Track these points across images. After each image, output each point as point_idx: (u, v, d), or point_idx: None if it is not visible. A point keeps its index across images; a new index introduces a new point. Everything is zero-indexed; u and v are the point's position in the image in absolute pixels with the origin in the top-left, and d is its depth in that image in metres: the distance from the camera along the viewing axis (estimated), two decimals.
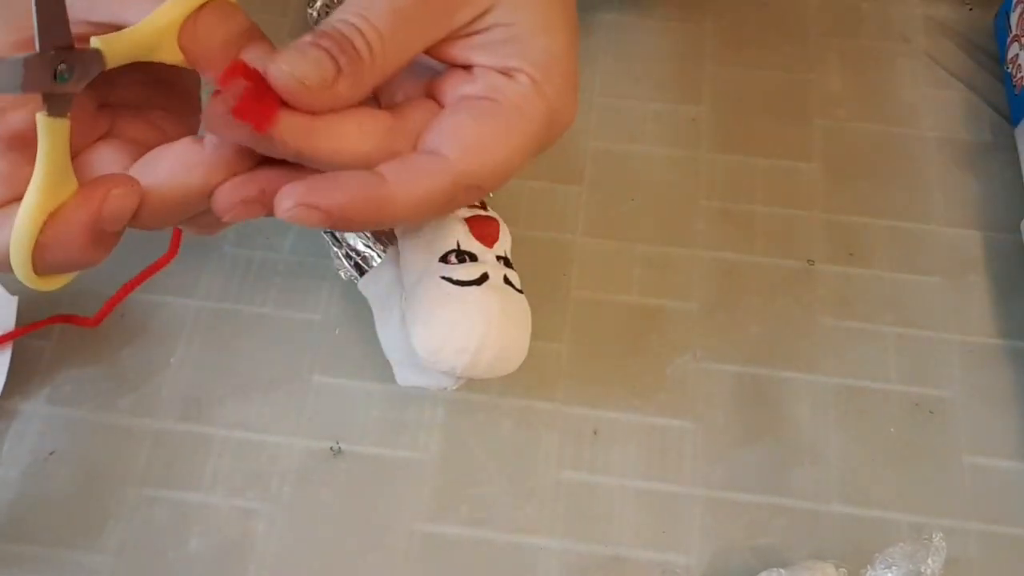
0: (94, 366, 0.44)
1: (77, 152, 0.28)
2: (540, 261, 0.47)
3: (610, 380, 0.44)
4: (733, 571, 0.40)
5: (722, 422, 0.43)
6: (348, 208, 0.26)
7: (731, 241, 0.48)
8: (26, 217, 0.25)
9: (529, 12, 0.28)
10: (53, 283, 0.27)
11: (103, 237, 0.26)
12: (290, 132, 0.26)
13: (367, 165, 0.27)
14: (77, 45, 0.25)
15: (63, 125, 0.25)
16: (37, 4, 0.23)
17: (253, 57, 0.27)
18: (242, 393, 0.43)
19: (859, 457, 0.42)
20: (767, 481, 0.42)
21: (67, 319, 0.44)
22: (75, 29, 0.25)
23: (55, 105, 0.25)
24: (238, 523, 0.40)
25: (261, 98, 0.25)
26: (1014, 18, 0.52)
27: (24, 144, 0.26)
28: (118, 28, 0.26)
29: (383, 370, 0.41)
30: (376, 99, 0.31)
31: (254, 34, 0.28)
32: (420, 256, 0.37)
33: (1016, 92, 0.51)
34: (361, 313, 0.43)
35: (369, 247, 0.41)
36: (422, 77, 0.30)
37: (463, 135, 0.28)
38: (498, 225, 0.38)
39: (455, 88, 0.29)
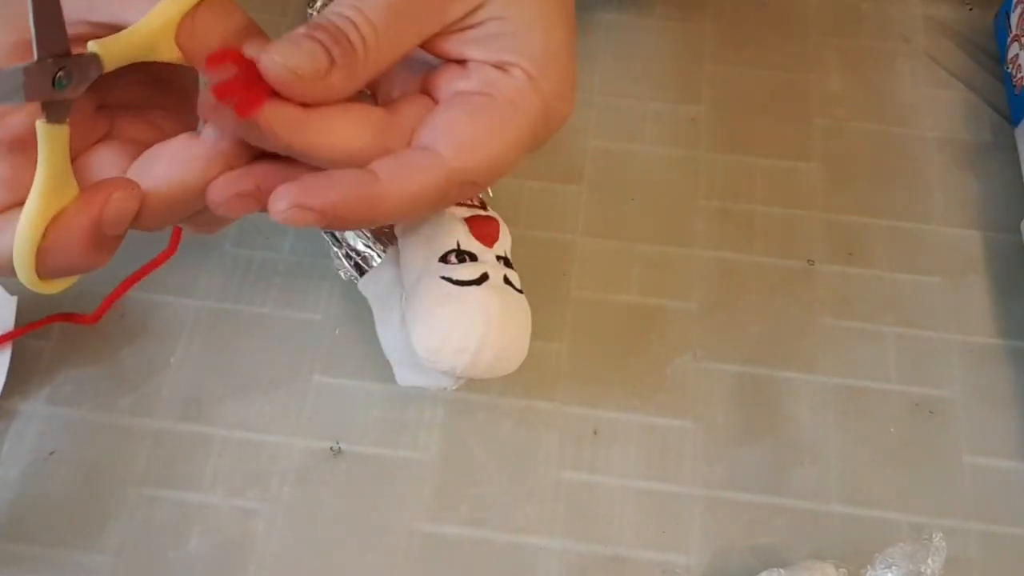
0: (94, 366, 0.44)
1: (77, 154, 0.28)
2: (540, 261, 0.47)
3: (610, 380, 0.44)
4: (733, 571, 0.40)
5: (722, 422, 0.43)
6: (341, 207, 0.26)
7: (731, 241, 0.48)
8: (28, 223, 0.25)
9: (523, 7, 0.28)
10: (56, 286, 0.27)
11: (105, 241, 0.26)
12: (281, 123, 0.26)
13: (361, 161, 0.27)
14: (74, 50, 0.25)
15: (62, 131, 0.25)
16: (34, 13, 0.23)
17: (248, 50, 0.27)
18: (242, 393, 0.43)
19: (859, 457, 0.42)
20: (767, 481, 0.42)
21: (66, 317, 0.44)
22: (73, 29, 0.25)
23: (54, 112, 0.25)
24: (238, 523, 0.40)
25: (251, 87, 0.25)
26: (1014, 18, 0.52)
27: (25, 147, 0.26)
28: (117, 28, 0.26)
29: (383, 370, 0.41)
30: (372, 97, 0.31)
31: (252, 31, 0.28)
32: (420, 256, 0.36)
33: (1016, 92, 0.51)
34: (361, 313, 0.43)
35: (369, 247, 0.41)
36: (417, 73, 0.30)
37: (457, 131, 0.28)
38: (498, 225, 0.38)
39: (449, 83, 0.29)
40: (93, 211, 0.25)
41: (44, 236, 0.25)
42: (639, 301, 0.46)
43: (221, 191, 0.27)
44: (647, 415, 0.43)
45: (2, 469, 0.41)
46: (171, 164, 0.27)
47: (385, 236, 0.41)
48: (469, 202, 0.39)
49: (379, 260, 0.41)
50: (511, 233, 0.39)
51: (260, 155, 0.28)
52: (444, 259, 0.36)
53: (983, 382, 0.44)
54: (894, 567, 0.37)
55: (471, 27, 0.28)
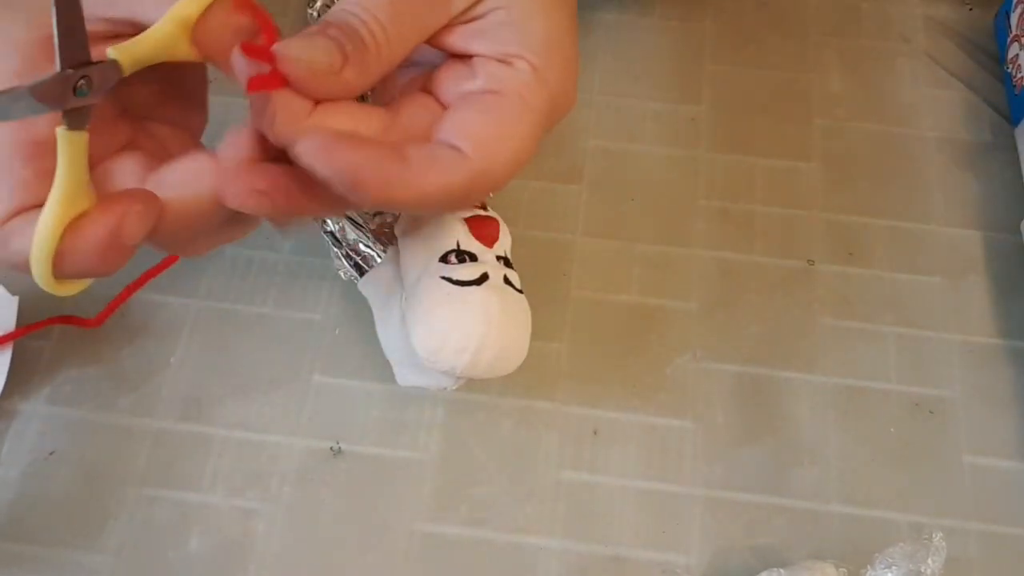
0: (94, 366, 0.44)
1: (98, 161, 0.28)
2: (540, 261, 0.47)
3: (610, 380, 0.44)
4: (733, 571, 0.40)
5: (722, 422, 0.43)
6: (362, 169, 0.25)
7: (731, 241, 0.48)
8: (45, 227, 0.25)
9: None
10: (71, 288, 0.28)
11: (121, 250, 0.26)
12: (285, 111, 0.26)
13: None
14: (94, 58, 0.25)
15: (82, 138, 0.26)
16: (58, 25, 0.24)
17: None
18: (242, 393, 0.43)
19: (859, 457, 0.42)
20: (767, 481, 0.42)
21: (68, 320, 0.44)
22: (91, 26, 0.25)
23: (74, 119, 0.25)
24: (238, 523, 0.40)
25: (269, 77, 0.26)
26: (1014, 18, 0.52)
27: (46, 152, 0.26)
28: (134, 24, 0.27)
29: (383, 370, 0.41)
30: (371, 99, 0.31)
31: (266, 26, 0.28)
32: (420, 256, 0.36)
33: (1016, 92, 0.51)
34: (361, 313, 0.43)
35: (369, 247, 0.41)
36: (415, 73, 0.30)
37: (474, 132, 0.27)
38: (498, 225, 0.38)
39: (456, 83, 0.29)
40: (112, 220, 0.26)
41: (62, 240, 0.25)
42: (639, 301, 0.46)
43: (236, 185, 0.27)
44: (647, 415, 0.43)
45: (2, 469, 0.41)
46: (186, 179, 0.27)
47: (385, 236, 0.41)
48: None
49: (379, 260, 0.41)
50: (511, 233, 0.39)
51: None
52: (444, 259, 0.36)
53: (983, 382, 0.44)
54: (894, 567, 0.37)
55: (476, 19, 0.28)
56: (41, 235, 0.25)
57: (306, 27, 0.27)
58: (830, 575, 0.37)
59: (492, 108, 0.28)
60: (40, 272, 0.26)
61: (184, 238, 0.28)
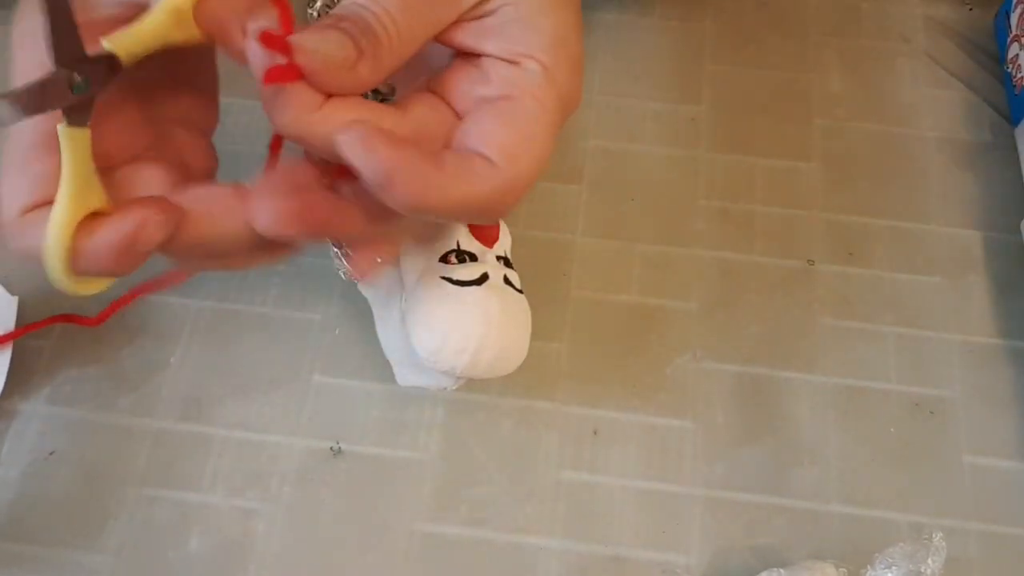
0: (94, 366, 0.44)
1: (119, 164, 0.28)
2: (540, 261, 0.47)
3: (610, 380, 0.44)
4: (733, 571, 0.40)
5: (722, 422, 0.43)
6: (399, 169, 0.25)
7: (731, 241, 0.48)
8: (56, 225, 0.25)
9: None
10: (89, 287, 0.28)
11: (136, 255, 0.26)
12: (299, 103, 0.25)
13: None
14: (90, 52, 0.25)
15: (84, 134, 0.26)
16: (48, 22, 0.24)
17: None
18: (242, 393, 0.43)
19: (859, 457, 0.42)
20: (767, 481, 0.42)
21: (69, 319, 0.44)
22: (107, 11, 0.25)
23: (75, 115, 0.25)
24: (238, 523, 0.40)
25: (286, 69, 0.25)
26: (1014, 18, 0.52)
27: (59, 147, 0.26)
28: (144, 7, 0.26)
29: (383, 370, 0.41)
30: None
31: (264, 3, 0.28)
32: (420, 256, 0.37)
33: (1016, 92, 0.51)
34: (361, 313, 0.43)
35: None
36: (420, 73, 0.30)
37: (499, 142, 0.27)
38: (498, 225, 0.38)
39: (469, 87, 0.29)
40: (130, 225, 0.25)
41: (78, 239, 0.25)
42: (639, 301, 0.46)
43: (269, 208, 0.26)
44: (647, 415, 0.43)
45: (2, 469, 0.41)
46: (215, 197, 0.27)
47: None
48: None
49: (379, 260, 0.41)
50: (511, 233, 0.39)
51: None
52: (444, 259, 0.36)
53: (983, 382, 0.44)
54: (894, 567, 0.37)
55: (485, 16, 0.28)
56: (52, 231, 0.25)
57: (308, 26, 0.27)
58: (830, 575, 0.37)
59: (512, 115, 0.28)
60: (54, 267, 0.26)
61: (201, 254, 0.28)
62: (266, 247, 0.28)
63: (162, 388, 0.43)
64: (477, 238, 0.37)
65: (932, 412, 0.44)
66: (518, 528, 0.41)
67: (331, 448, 0.42)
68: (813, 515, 0.41)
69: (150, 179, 0.28)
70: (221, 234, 0.27)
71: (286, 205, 0.26)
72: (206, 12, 0.27)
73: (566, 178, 0.50)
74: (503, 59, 0.28)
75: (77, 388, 0.43)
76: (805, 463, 0.42)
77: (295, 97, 0.25)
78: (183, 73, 0.30)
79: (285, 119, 0.26)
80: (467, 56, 0.29)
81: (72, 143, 0.25)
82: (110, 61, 0.26)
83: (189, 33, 0.27)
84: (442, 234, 0.36)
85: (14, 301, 0.43)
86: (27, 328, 0.43)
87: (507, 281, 0.36)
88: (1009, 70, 0.52)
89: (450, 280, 0.35)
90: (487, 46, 0.28)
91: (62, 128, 0.25)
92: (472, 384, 0.41)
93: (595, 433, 0.43)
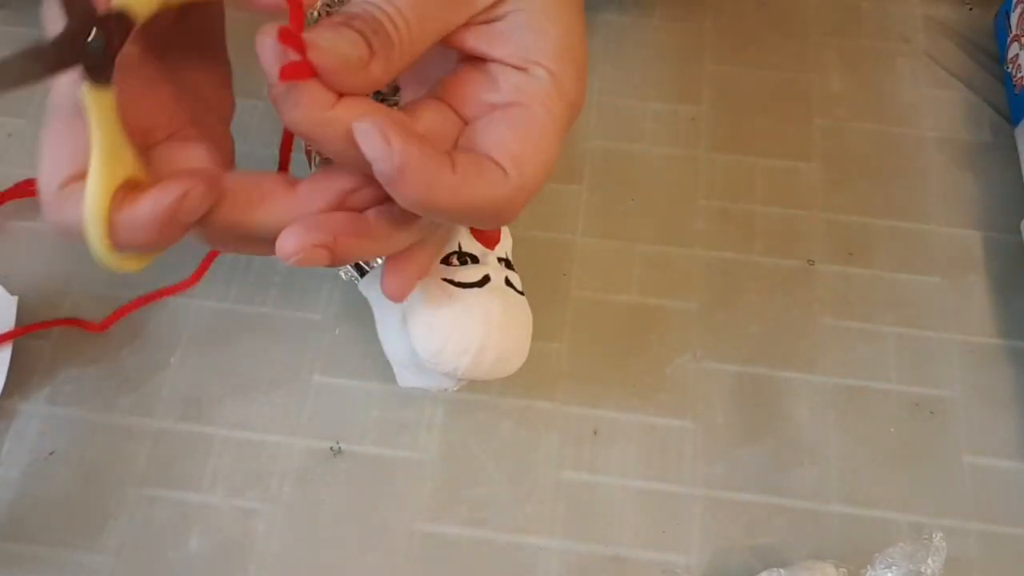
0: (94, 366, 0.44)
1: (161, 140, 0.28)
2: (540, 261, 0.47)
3: (610, 380, 0.44)
4: (733, 571, 0.40)
5: (722, 422, 0.43)
6: (411, 164, 0.25)
7: (731, 241, 0.48)
8: (92, 196, 0.25)
9: None
10: (130, 264, 0.27)
11: (177, 227, 0.26)
12: (312, 101, 0.25)
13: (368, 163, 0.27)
14: (100, 11, 0.25)
15: (108, 96, 0.25)
16: None
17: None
18: (242, 393, 0.43)
19: (859, 457, 0.42)
20: (767, 481, 0.42)
21: (73, 323, 0.44)
22: None
23: (96, 75, 0.25)
24: (238, 523, 0.40)
25: (300, 66, 0.25)
26: (1014, 18, 0.52)
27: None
28: None
29: (383, 370, 0.41)
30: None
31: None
32: None
33: (1016, 92, 0.51)
34: (361, 313, 0.43)
35: None
36: (426, 77, 0.30)
37: (510, 149, 0.27)
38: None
39: (477, 93, 0.28)
40: (173, 194, 0.25)
41: (120, 211, 0.25)
42: (639, 301, 0.46)
43: (297, 240, 0.26)
44: (647, 415, 0.43)
45: (2, 469, 0.41)
46: (259, 194, 0.27)
47: None
48: None
49: (380, 261, 0.41)
50: (511, 234, 0.39)
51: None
52: (446, 261, 0.36)
53: (983, 382, 0.44)
54: (894, 567, 0.37)
55: (495, 20, 0.28)
56: (89, 201, 0.25)
57: (306, 28, 0.27)
58: (830, 575, 0.37)
59: (521, 123, 0.28)
60: (94, 239, 0.25)
61: (234, 236, 0.28)
62: None
63: (162, 388, 0.43)
64: (479, 240, 0.37)
65: (932, 412, 0.44)
66: (518, 528, 0.41)
67: (331, 448, 0.42)
68: (813, 515, 0.41)
69: (193, 156, 0.28)
70: (260, 220, 0.27)
71: (317, 236, 0.26)
72: None
73: (566, 178, 0.50)
74: (512, 65, 0.28)
75: (77, 388, 0.43)
76: (805, 463, 0.42)
77: (308, 94, 0.25)
78: (197, 51, 0.30)
79: (298, 116, 0.26)
80: (474, 61, 0.29)
81: (97, 105, 0.25)
82: (122, 18, 0.25)
83: None
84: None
85: (14, 301, 0.43)
86: (28, 328, 0.43)
87: (508, 283, 0.36)
88: (1009, 70, 0.52)
89: (452, 282, 0.35)
90: (496, 51, 0.28)
91: (86, 89, 0.25)
92: (472, 384, 0.41)
93: (595, 433, 0.43)
